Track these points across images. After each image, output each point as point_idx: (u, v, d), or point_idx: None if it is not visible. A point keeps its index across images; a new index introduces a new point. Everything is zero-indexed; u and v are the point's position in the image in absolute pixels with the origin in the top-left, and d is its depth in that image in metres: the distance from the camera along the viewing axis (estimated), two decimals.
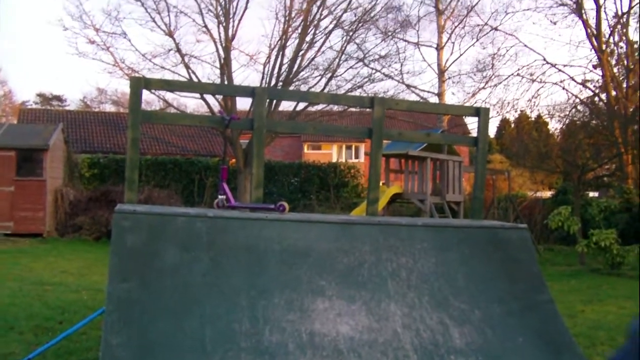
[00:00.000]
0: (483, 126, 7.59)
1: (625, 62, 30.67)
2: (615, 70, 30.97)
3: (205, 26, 25.07)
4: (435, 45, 33.23)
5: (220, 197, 6.75)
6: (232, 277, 5.43)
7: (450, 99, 34.15)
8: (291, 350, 4.97)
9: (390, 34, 29.56)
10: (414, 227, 6.41)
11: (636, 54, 30.39)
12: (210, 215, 6.01)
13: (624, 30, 30.98)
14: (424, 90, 32.93)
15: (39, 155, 21.04)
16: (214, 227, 5.83)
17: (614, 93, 29.36)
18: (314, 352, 5.01)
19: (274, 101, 23.85)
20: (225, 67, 25.16)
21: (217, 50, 25.16)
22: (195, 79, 24.52)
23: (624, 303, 11.86)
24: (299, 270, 5.62)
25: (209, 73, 57.63)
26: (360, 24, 26.57)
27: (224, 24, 25.03)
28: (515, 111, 34.04)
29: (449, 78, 33.06)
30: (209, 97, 25.26)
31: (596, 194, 30.54)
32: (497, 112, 32.00)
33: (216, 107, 25.18)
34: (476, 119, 7.73)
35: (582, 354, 5.96)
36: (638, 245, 16.58)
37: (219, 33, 25.15)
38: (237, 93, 15.67)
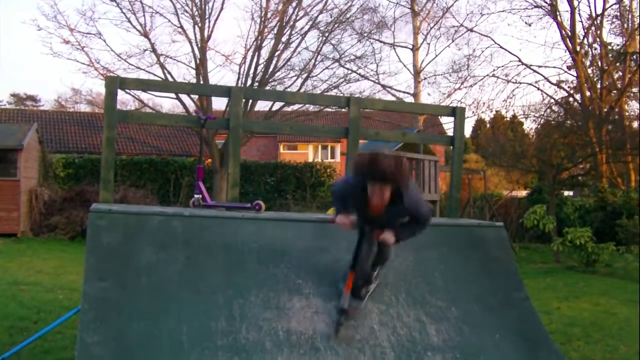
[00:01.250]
0: (459, 126, 7.63)
1: (599, 63, 31.00)
2: (589, 71, 31.28)
3: (181, 26, 25.01)
4: (410, 46, 33.32)
5: (196, 196, 6.72)
6: (208, 276, 5.41)
7: (426, 99, 34.26)
8: (268, 348, 4.95)
9: (366, 35, 29.66)
10: None
11: (610, 55, 30.72)
12: (186, 214, 5.98)
13: (598, 32, 31.33)
14: (399, 91, 32.93)
15: (13, 155, 20.81)
16: (190, 226, 5.82)
17: (588, 94, 29.65)
18: (290, 349, 4.99)
19: (250, 101, 23.82)
20: (201, 67, 25.08)
21: (193, 51, 25.08)
22: (170, 79, 24.39)
23: (598, 300, 12.00)
24: (276, 268, 5.61)
25: (184, 73, 57.38)
26: (336, 25, 26.64)
27: (199, 25, 24.95)
28: (491, 111, 34.31)
29: (425, 79, 33.16)
30: (184, 97, 25.17)
31: (571, 193, 30.86)
32: (473, 112, 32.17)
33: (192, 107, 25.10)
34: (452, 118, 7.77)
35: (558, 350, 6.00)
36: (612, 244, 16.74)
37: (195, 33, 25.10)
38: (213, 93, 15.61)
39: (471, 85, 32.24)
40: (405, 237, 5.24)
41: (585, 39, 31.47)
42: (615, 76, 32.10)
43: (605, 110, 28.23)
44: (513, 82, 31.59)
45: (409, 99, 32.32)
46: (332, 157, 49.59)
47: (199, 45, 24.97)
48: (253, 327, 5.08)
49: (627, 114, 30.27)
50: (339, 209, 5.26)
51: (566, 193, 29.13)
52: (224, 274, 5.46)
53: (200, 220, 5.95)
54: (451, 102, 31.80)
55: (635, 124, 29.19)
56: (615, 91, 30.37)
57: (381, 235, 5.14)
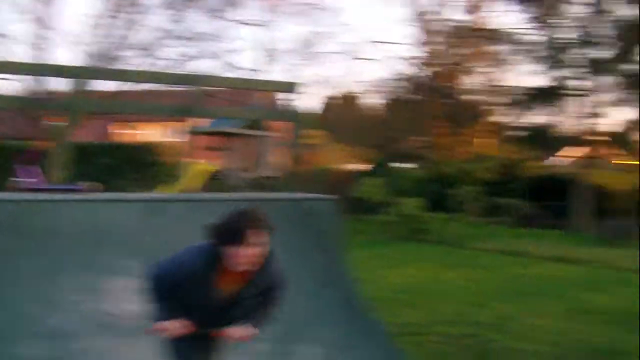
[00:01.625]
0: (300, 102, 7.86)
1: (447, 39, 32.10)
2: (436, 47, 32.35)
3: (22, 4, 23.81)
4: (259, 23, 33.18)
5: (21, 179, 6.57)
6: (27, 261, 5.25)
7: (273, 76, 34.26)
8: (80, 332, 4.93)
9: (214, 12, 29.32)
10: (224, 203, 6.35)
11: (456, 31, 31.87)
12: (7, 199, 5.79)
13: (447, 9, 32.41)
14: (246, 69, 32.81)
15: None
16: (12, 211, 5.58)
17: (434, 69, 30.66)
18: (103, 332, 5.00)
19: (92, 81, 23.09)
20: (42, 46, 24.00)
21: (33, 30, 23.93)
22: (9, 59, 23.19)
23: (425, 266, 12.62)
24: (99, 250, 5.51)
25: (24, 53, 54.81)
26: (184, 2, 26.20)
27: (41, 2, 23.84)
28: (338, 87, 34.68)
29: (272, 56, 33.17)
30: (22, 78, 24.03)
31: (409, 165, 32.00)
32: (320, 88, 32.50)
33: (30, 88, 24.03)
34: (295, 95, 7.89)
35: (379, 319, 6.31)
36: (443, 213, 17.52)
37: (36, 11, 23.93)
38: (51, 73, 15.02)
39: (319, 62, 32.55)
40: (267, 315, 3.91)
41: (435, 16, 32.47)
42: (460, 52, 33.38)
43: (447, 85, 29.32)
44: (362, 59, 32.10)
45: (256, 76, 32.22)
46: (175, 136, 48.74)
47: (41, 23, 23.84)
48: (67, 311, 5.02)
49: (466, 88, 31.54)
50: (163, 306, 3.73)
51: (404, 165, 30.06)
52: (43, 259, 5.31)
53: (23, 204, 5.73)
54: (298, 79, 32.05)
55: (472, 97, 30.46)
56: (457, 66, 31.59)
57: (235, 335, 3.79)
